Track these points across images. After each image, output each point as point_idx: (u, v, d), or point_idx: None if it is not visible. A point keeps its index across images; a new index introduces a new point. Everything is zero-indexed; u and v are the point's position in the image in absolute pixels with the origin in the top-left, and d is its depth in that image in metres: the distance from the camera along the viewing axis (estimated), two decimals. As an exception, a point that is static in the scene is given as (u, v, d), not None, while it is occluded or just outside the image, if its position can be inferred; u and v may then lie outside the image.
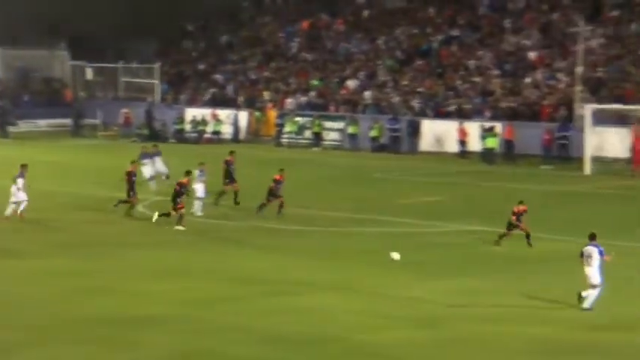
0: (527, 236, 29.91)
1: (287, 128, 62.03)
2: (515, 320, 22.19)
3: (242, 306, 23.27)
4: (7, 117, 67.07)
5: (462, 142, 54.89)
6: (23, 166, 34.87)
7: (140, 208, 35.91)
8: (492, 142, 53.05)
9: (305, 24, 72.03)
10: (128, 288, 24.91)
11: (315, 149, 59.66)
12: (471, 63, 61.04)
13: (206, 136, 63.65)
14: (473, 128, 54.53)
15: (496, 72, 59.54)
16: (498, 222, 32.09)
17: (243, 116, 64.52)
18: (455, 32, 64.28)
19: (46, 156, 52.61)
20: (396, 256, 26.78)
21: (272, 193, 35.09)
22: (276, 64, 69.60)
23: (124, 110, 67.43)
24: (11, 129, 66.36)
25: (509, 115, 55.07)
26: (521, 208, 30.12)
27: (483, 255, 29.38)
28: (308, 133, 61.29)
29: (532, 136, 52.49)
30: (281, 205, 35.11)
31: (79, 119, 68.00)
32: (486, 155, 53.07)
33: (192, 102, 68.54)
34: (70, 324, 21.65)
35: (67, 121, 68.12)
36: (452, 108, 58.10)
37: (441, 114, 58.07)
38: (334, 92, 63.99)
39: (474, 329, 21.47)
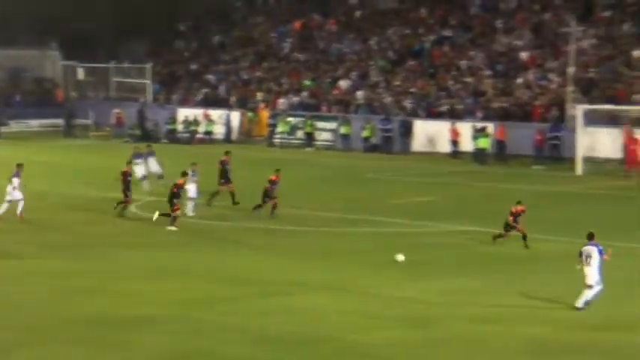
0: (524, 237, 29.76)
1: (279, 128, 62.03)
2: (509, 320, 22.20)
3: (235, 306, 23.27)
4: (-1, 117, 67.12)
5: (454, 143, 54.94)
6: (19, 166, 34.94)
7: (133, 208, 35.88)
8: (484, 143, 53.12)
9: (297, 24, 72.05)
10: (121, 288, 24.89)
11: (307, 149, 59.67)
12: (463, 63, 61.11)
13: (198, 136, 63.63)
14: (465, 128, 54.58)
15: (488, 72, 59.61)
16: (490, 222, 32.15)
17: (236, 116, 64.51)
18: (447, 32, 64.34)
19: (37, 156, 52.53)
20: (400, 257, 26.96)
21: (268, 194, 35.02)
22: (268, 65, 69.60)
23: (116, 110, 67.38)
24: (3, 129, 66.29)
25: (501, 116, 55.14)
26: (520, 208, 29.97)
27: (476, 255, 29.39)
28: (300, 134, 61.31)
29: (524, 136, 52.56)
30: (274, 206, 35.07)
31: (70, 119, 67.94)
32: (478, 155, 53.14)
33: (185, 102, 68.52)
34: (61, 324, 21.63)
35: (59, 121, 68.09)
36: (444, 108, 58.16)
37: (433, 114, 58.12)
38: (326, 92, 64.01)
39: (467, 329, 21.50)
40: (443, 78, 60.77)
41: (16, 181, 34.45)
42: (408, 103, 59.70)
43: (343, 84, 64.07)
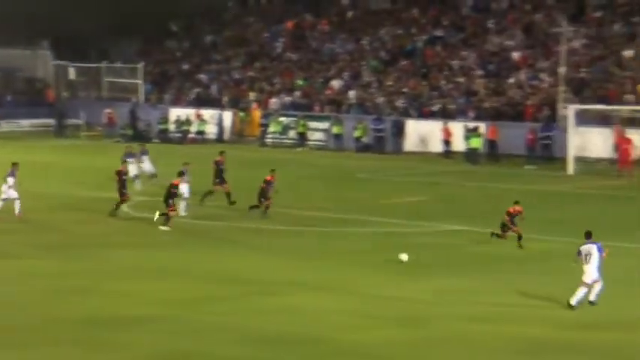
0: (519, 238, 29.76)
1: (271, 128, 62.01)
2: (508, 319, 22.23)
3: (229, 306, 23.25)
4: (-10, 117, 67.00)
5: (446, 142, 55.01)
6: (14, 165, 34.95)
7: (125, 208, 35.84)
8: (476, 142, 53.20)
9: (289, 24, 72.04)
10: (112, 288, 24.83)
11: (299, 149, 59.66)
12: (455, 63, 61.19)
13: (190, 136, 63.56)
14: (457, 128, 54.65)
15: (480, 72, 59.71)
16: (482, 222, 32.23)
17: (228, 116, 64.46)
18: (439, 33, 64.41)
19: (28, 156, 52.24)
20: (404, 257, 27.02)
21: (263, 194, 34.97)
22: (260, 64, 69.57)
23: (108, 110, 67.26)
24: (-6, 129, 66.24)
25: (493, 115, 55.23)
26: (517, 208, 29.94)
27: (473, 255, 29.41)
28: (292, 133, 61.30)
29: (516, 136, 52.65)
30: (267, 206, 35.05)
31: (62, 119, 67.80)
32: (470, 155, 53.21)
33: (177, 102, 68.44)
34: (52, 324, 21.56)
35: (50, 121, 67.96)
36: (436, 108, 58.22)
37: (425, 114, 58.18)
38: (319, 92, 64.02)
39: (466, 329, 21.52)
40: (435, 78, 60.83)
41: (11, 180, 34.47)
42: (400, 103, 59.75)
43: (335, 84, 64.09)
